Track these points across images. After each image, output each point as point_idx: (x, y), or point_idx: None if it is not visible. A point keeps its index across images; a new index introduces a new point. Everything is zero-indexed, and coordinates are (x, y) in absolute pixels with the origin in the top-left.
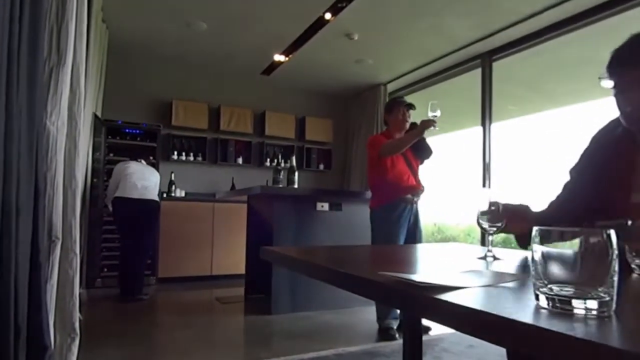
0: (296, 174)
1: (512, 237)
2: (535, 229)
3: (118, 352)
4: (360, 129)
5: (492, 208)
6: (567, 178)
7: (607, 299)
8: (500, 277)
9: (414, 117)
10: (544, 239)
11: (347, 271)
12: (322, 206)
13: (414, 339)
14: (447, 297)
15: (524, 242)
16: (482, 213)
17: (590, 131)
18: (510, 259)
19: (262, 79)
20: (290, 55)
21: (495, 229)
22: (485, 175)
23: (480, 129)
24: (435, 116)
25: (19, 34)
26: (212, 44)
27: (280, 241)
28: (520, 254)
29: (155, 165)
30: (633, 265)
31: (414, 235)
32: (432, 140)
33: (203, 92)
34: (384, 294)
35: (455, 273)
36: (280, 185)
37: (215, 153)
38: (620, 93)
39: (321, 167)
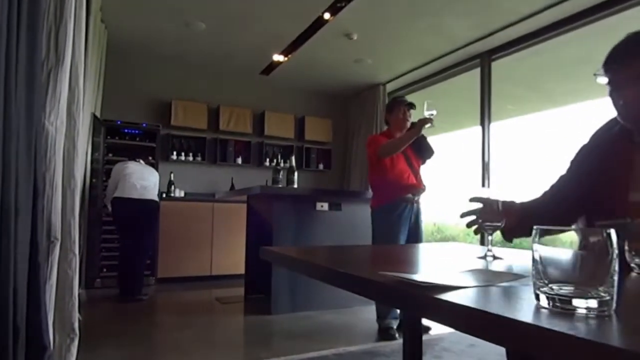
0: (295, 173)
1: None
2: (535, 228)
3: (117, 352)
4: (359, 129)
5: (483, 204)
6: (565, 170)
7: (607, 298)
8: (500, 276)
9: (415, 116)
10: (544, 239)
11: (347, 271)
12: (322, 206)
13: (414, 338)
14: (447, 296)
15: (509, 236)
16: (472, 199)
17: (589, 131)
18: (510, 258)
19: (262, 79)
20: (290, 55)
21: (493, 228)
22: (485, 174)
23: (480, 128)
24: (432, 115)
25: (17, 34)
26: (211, 43)
27: (280, 241)
28: (520, 253)
29: (154, 166)
30: (632, 264)
31: (414, 235)
32: (431, 139)
33: (202, 92)
34: (384, 294)
35: (456, 273)
36: (280, 185)
37: (215, 153)
38: (615, 90)
39: (321, 167)
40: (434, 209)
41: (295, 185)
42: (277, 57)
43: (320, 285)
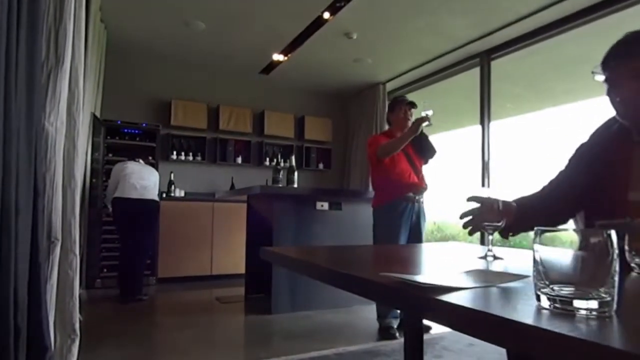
0: (295, 173)
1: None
2: (536, 228)
3: (118, 352)
4: (359, 128)
5: (482, 204)
6: (564, 166)
7: (608, 299)
8: (501, 277)
9: (416, 115)
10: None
11: (348, 272)
12: (322, 205)
13: (415, 338)
14: (448, 298)
15: (506, 234)
16: (469, 199)
17: (588, 129)
18: (510, 258)
19: (261, 79)
20: (289, 55)
21: (493, 228)
22: (484, 173)
23: (479, 127)
24: (428, 114)
25: (17, 35)
26: (210, 43)
27: (280, 241)
28: (520, 253)
29: (154, 165)
30: (632, 264)
31: (416, 234)
32: (431, 138)
33: (202, 91)
34: (386, 295)
35: (456, 273)
36: (280, 185)
37: (215, 153)
38: (612, 87)
39: (320, 166)
40: (434, 207)
41: (296, 185)
42: (277, 57)
43: (320, 285)
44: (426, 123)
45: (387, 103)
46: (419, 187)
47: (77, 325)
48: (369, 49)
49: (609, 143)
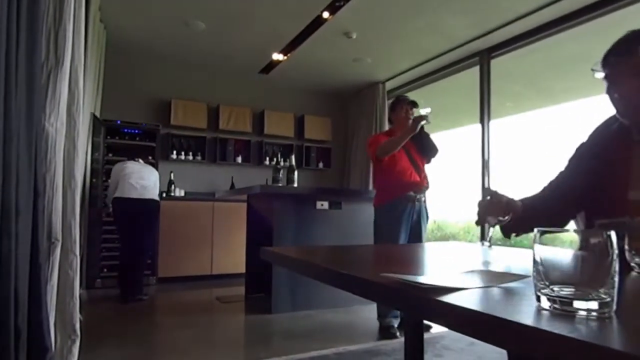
0: (295, 172)
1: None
2: (536, 229)
3: (118, 352)
4: (359, 127)
5: (489, 198)
6: (564, 167)
7: (608, 299)
8: (501, 277)
9: (416, 114)
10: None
11: (348, 272)
12: (322, 205)
13: (416, 337)
14: (449, 298)
15: (508, 233)
16: (485, 191)
17: (588, 128)
18: (510, 258)
19: (261, 78)
20: (289, 54)
21: (498, 223)
22: (484, 171)
23: (479, 126)
24: (427, 112)
25: (16, 36)
26: (210, 43)
27: (280, 240)
28: (520, 253)
29: (154, 165)
30: (632, 264)
31: (416, 233)
32: (431, 137)
33: (202, 91)
34: (386, 296)
35: (457, 273)
36: (280, 184)
37: (215, 152)
38: (612, 84)
39: (320, 165)
40: (434, 206)
41: (295, 184)
42: (277, 56)
43: (320, 285)
44: (424, 121)
45: (386, 102)
46: (420, 185)
47: (78, 326)
48: (369, 48)
49: (609, 142)
